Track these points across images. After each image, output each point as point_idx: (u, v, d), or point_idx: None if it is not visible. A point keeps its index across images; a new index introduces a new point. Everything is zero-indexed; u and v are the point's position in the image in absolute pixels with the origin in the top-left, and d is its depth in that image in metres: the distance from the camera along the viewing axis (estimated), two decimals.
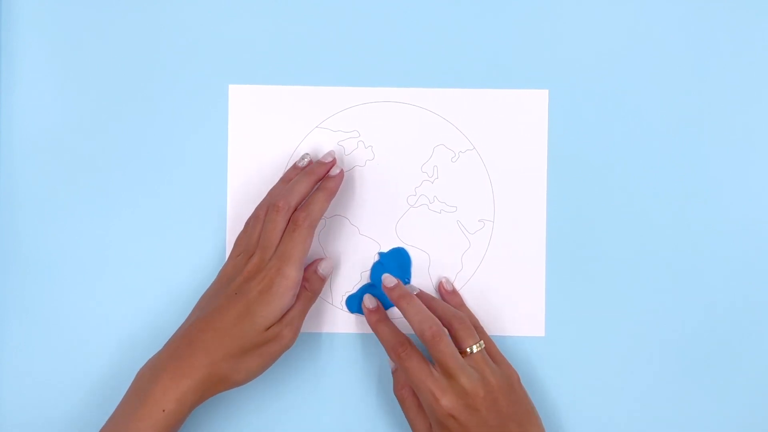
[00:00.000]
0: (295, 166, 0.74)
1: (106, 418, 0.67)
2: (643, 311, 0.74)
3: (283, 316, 0.68)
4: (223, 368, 0.66)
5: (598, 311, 0.75)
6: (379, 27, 0.75)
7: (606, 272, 0.75)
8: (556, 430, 0.73)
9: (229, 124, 0.75)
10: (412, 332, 0.69)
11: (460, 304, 0.74)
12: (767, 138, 0.75)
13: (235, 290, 0.68)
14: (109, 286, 0.75)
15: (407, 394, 0.71)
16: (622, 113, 0.75)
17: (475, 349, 0.68)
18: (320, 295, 0.74)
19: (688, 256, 0.75)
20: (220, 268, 0.72)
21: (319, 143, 0.75)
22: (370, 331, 0.74)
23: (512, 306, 0.75)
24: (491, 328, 0.74)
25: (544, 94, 0.75)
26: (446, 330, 0.68)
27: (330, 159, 0.73)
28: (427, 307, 0.70)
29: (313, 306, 0.73)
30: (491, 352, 0.71)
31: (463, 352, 0.68)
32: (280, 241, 0.69)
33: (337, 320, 0.75)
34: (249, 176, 0.75)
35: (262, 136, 0.75)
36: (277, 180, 0.74)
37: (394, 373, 0.72)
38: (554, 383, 0.74)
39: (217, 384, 0.67)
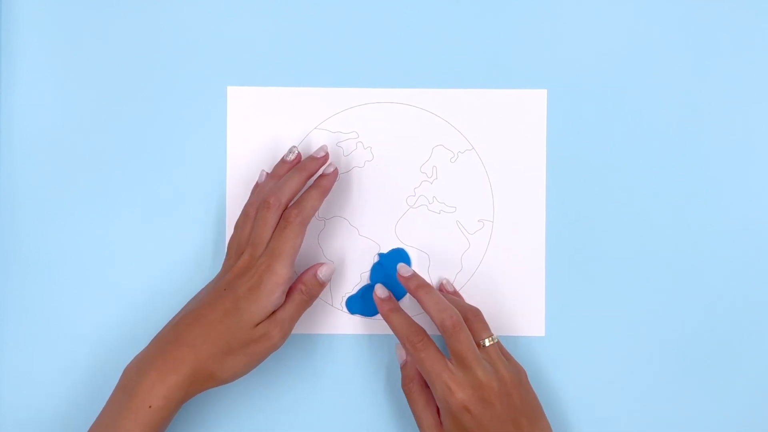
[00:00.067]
0: (283, 161, 0.73)
1: None
2: (643, 311, 0.74)
3: (273, 315, 0.68)
4: (209, 364, 0.66)
5: (598, 311, 0.74)
6: (377, 28, 0.75)
7: (606, 272, 0.75)
8: (556, 430, 0.73)
9: (228, 125, 0.75)
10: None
11: None
12: (767, 138, 0.75)
13: (224, 286, 0.68)
14: (109, 286, 0.75)
15: (415, 389, 0.70)
16: (621, 113, 0.75)
17: (488, 342, 0.69)
18: (320, 296, 0.74)
19: (687, 255, 0.74)
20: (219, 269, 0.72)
21: (317, 144, 0.75)
22: (370, 332, 0.74)
23: (512, 306, 0.75)
24: (491, 328, 0.74)
25: (542, 93, 0.75)
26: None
27: (322, 154, 0.72)
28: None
29: (313, 307, 0.73)
30: (499, 348, 0.71)
31: (476, 345, 0.68)
32: (270, 238, 0.69)
33: (337, 321, 0.75)
34: (248, 178, 0.74)
35: (261, 138, 0.75)
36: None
37: (402, 367, 0.72)
38: (554, 383, 0.74)
39: (204, 380, 0.66)
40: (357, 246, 0.75)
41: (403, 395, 0.72)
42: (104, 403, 0.67)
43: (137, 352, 0.68)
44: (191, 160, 0.75)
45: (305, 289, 0.70)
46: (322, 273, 0.71)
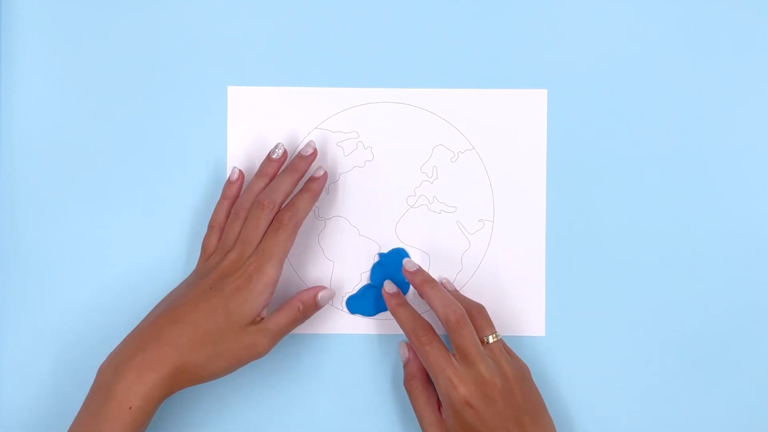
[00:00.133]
0: (270, 159, 0.72)
1: None
2: (643, 311, 0.74)
3: (264, 324, 0.68)
4: (191, 362, 0.65)
5: (598, 311, 0.74)
6: (377, 28, 0.75)
7: (606, 272, 0.75)
8: (557, 430, 0.73)
9: (228, 125, 0.75)
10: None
11: None
12: (767, 138, 0.75)
13: (209, 285, 0.68)
14: (109, 286, 0.75)
15: (417, 386, 0.70)
16: (621, 113, 0.75)
17: (492, 339, 0.69)
18: None
19: (687, 255, 0.74)
20: None
21: (318, 144, 0.75)
22: (370, 332, 0.74)
23: (512, 306, 0.75)
24: None
25: (543, 93, 0.75)
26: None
27: (311, 151, 0.72)
28: None
29: None
30: (503, 345, 0.71)
31: (480, 341, 0.68)
32: (262, 239, 0.69)
33: (337, 321, 0.75)
34: (248, 177, 0.74)
35: (261, 138, 0.75)
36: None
37: (405, 365, 0.72)
38: (555, 383, 0.74)
39: (184, 379, 0.66)
40: (357, 246, 0.75)
41: (404, 394, 0.72)
42: None
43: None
44: (191, 159, 0.75)
45: (302, 308, 0.70)
46: (321, 296, 0.71)
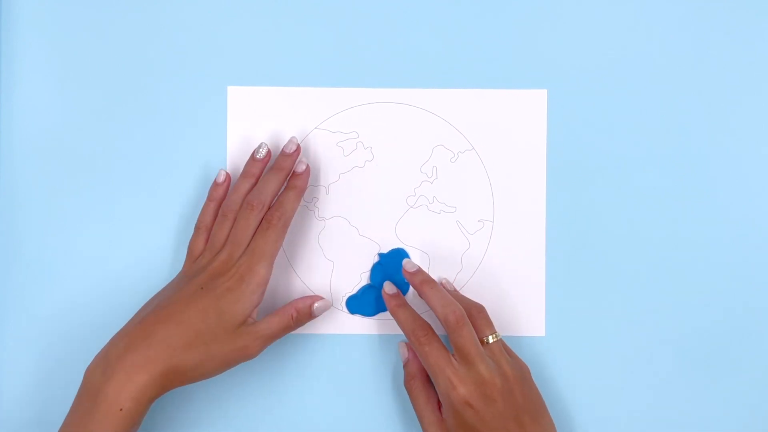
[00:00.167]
0: (254, 159, 0.73)
1: None
2: (643, 311, 0.74)
3: (256, 328, 0.68)
4: (183, 362, 0.65)
5: (598, 311, 0.74)
6: (377, 28, 0.75)
7: (606, 272, 0.75)
8: (557, 429, 0.73)
9: (228, 125, 0.75)
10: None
11: None
12: (767, 138, 0.75)
13: (200, 285, 0.68)
14: (110, 287, 0.75)
15: (417, 386, 0.71)
16: (621, 113, 0.75)
17: (492, 339, 0.69)
18: (320, 296, 0.74)
19: (688, 255, 0.74)
20: None
21: (318, 144, 0.75)
22: (369, 332, 0.74)
23: (512, 306, 0.75)
24: None
25: (542, 94, 0.75)
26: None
27: (293, 148, 0.73)
28: None
29: None
30: (503, 345, 0.71)
31: (480, 342, 0.68)
32: (251, 239, 0.69)
33: (337, 321, 0.75)
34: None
35: (261, 138, 0.75)
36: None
37: (405, 365, 0.72)
38: (555, 383, 0.74)
39: (175, 379, 0.65)
40: (357, 246, 0.75)
41: (404, 394, 0.72)
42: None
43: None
44: (191, 159, 0.75)
45: (296, 316, 0.71)
46: (316, 307, 0.72)
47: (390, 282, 0.73)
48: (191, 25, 0.75)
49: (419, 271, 0.72)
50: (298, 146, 0.73)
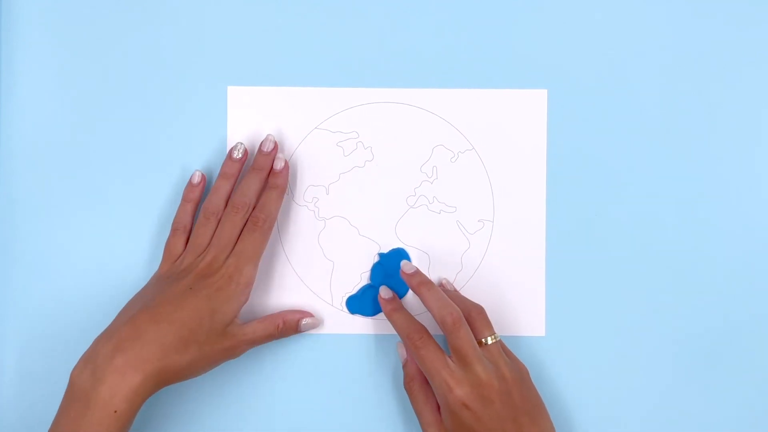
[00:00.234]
0: (232, 159, 0.73)
1: None
2: (643, 311, 0.74)
3: (244, 332, 0.69)
4: (175, 361, 0.65)
5: (598, 311, 0.74)
6: (377, 28, 0.75)
7: (606, 272, 0.75)
8: (556, 430, 0.73)
9: (228, 125, 0.75)
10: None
11: None
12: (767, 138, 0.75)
13: (188, 285, 0.68)
14: (110, 287, 0.75)
15: (416, 387, 0.71)
16: (621, 113, 0.75)
17: (490, 340, 0.69)
18: (320, 296, 0.74)
19: (688, 255, 0.74)
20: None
21: (318, 144, 0.75)
22: (370, 332, 0.74)
23: (512, 306, 0.75)
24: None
25: (542, 93, 0.75)
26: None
27: (271, 147, 0.73)
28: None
29: (313, 307, 0.74)
30: (501, 346, 0.71)
31: (478, 343, 0.68)
32: (237, 241, 0.70)
33: (337, 321, 0.75)
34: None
35: (261, 138, 0.74)
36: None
37: (403, 366, 0.72)
38: (555, 383, 0.74)
39: (167, 378, 0.65)
40: (357, 246, 0.75)
41: (404, 394, 0.72)
42: None
43: None
44: (192, 159, 0.75)
45: (282, 327, 0.72)
46: (304, 324, 0.73)
47: (386, 286, 0.73)
48: (191, 25, 0.75)
49: (417, 272, 0.72)
50: (276, 144, 0.73)
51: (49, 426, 0.65)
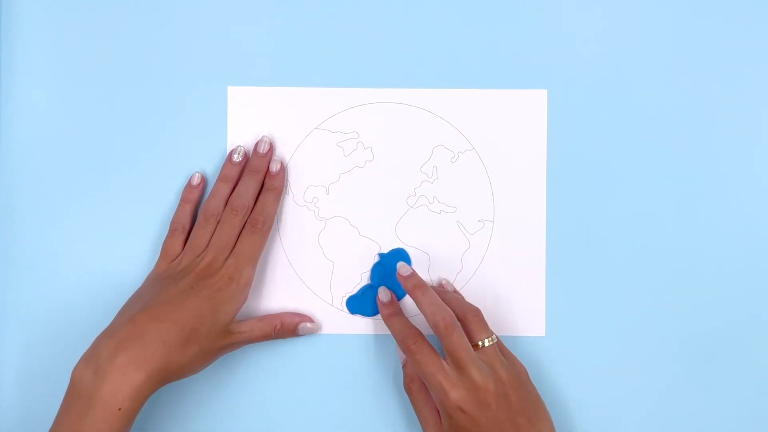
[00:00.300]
0: (231, 162, 0.74)
1: None
2: (643, 311, 0.74)
3: (241, 330, 0.70)
4: (177, 360, 0.66)
5: (598, 311, 0.74)
6: (377, 28, 0.75)
7: (606, 272, 0.75)
8: (557, 430, 0.73)
9: (228, 125, 0.75)
10: (425, 327, 0.70)
11: None
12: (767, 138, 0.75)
13: (189, 285, 0.68)
14: (110, 287, 0.75)
15: (416, 388, 0.71)
16: (622, 113, 0.75)
17: (487, 342, 0.68)
18: (320, 296, 0.74)
19: (688, 255, 0.74)
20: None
21: (318, 144, 0.75)
22: (370, 332, 0.75)
23: (512, 306, 0.75)
24: (492, 328, 0.74)
25: (543, 94, 0.75)
26: (459, 322, 0.68)
27: (267, 149, 0.74)
28: (442, 300, 0.70)
29: (313, 307, 0.74)
30: (499, 347, 0.70)
31: (474, 346, 0.68)
32: (236, 242, 0.71)
33: (337, 321, 0.75)
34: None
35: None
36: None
37: (403, 367, 0.72)
38: (554, 383, 0.74)
39: (168, 377, 0.66)
40: (357, 246, 0.75)
41: (404, 394, 0.72)
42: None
43: None
44: (192, 160, 0.75)
45: (279, 328, 0.72)
46: (302, 328, 0.73)
47: (385, 288, 0.73)
48: (191, 25, 0.75)
49: (412, 275, 0.71)
50: (272, 145, 0.74)
51: (50, 425, 0.65)
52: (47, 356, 0.74)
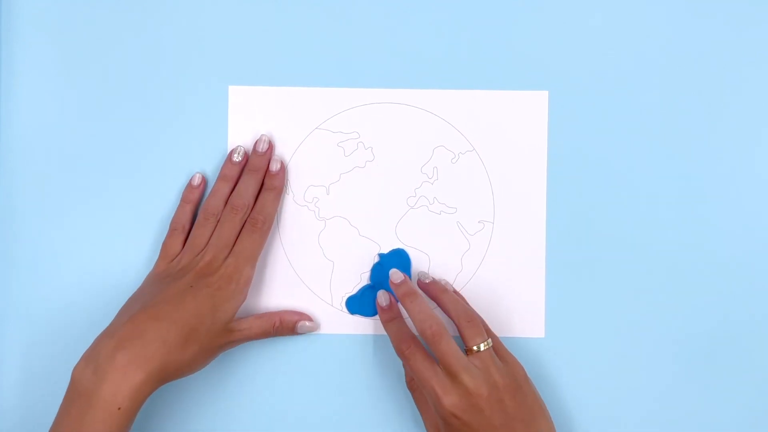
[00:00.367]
0: (231, 162, 0.74)
1: None
2: (643, 311, 0.74)
3: (239, 327, 0.70)
4: (177, 359, 0.66)
5: (598, 311, 0.75)
6: (378, 28, 0.75)
7: (606, 272, 0.75)
8: (557, 430, 0.73)
9: (229, 125, 0.75)
10: None
11: None
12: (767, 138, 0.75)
13: (189, 284, 0.69)
14: (110, 287, 0.75)
15: (417, 388, 0.71)
16: (622, 114, 0.75)
17: (482, 347, 0.68)
18: (320, 296, 0.74)
19: (688, 255, 0.74)
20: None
21: (318, 144, 0.75)
22: (369, 332, 0.75)
23: (512, 307, 0.75)
24: (492, 330, 0.74)
25: (543, 95, 0.75)
26: (447, 329, 0.68)
27: (266, 147, 0.74)
28: (439, 301, 0.71)
29: (313, 307, 0.74)
30: (498, 349, 0.70)
31: (469, 350, 0.67)
32: (236, 241, 0.71)
33: (336, 321, 0.75)
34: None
35: None
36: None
37: (404, 365, 0.72)
38: (554, 384, 0.74)
39: (168, 376, 0.66)
40: (357, 246, 0.75)
41: (404, 394, 0.73)
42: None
43: None
44: (192, 159, 0.75)
45: (278, 326, 0.73)
46: (301, 327, 0.73)
47: (384, 292, 0.73)
48: (192, 25, 0.75)
49: (403, 282, 0.71)
50: (271, 144, 0.74)
51: (50, 425, 0.65)
52: (47, 356, 0.75)
